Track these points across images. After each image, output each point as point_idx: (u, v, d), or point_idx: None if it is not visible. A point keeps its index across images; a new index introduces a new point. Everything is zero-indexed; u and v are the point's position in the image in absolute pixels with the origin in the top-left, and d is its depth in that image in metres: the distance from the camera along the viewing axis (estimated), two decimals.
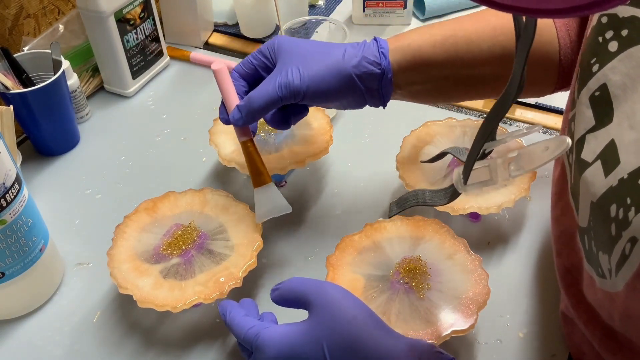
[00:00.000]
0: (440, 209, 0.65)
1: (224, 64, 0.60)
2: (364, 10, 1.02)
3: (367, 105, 0.61)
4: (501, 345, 0.59)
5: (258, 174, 0.61)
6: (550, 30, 0.60)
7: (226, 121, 0.60)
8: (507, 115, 0.85)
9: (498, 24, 0.59)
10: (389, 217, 0.56)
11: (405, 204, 0.54)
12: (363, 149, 0.81)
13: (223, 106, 0.61)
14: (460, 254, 0.60)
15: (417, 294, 0.57)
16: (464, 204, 0.65)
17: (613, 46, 0.46)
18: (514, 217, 0.70)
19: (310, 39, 0.60)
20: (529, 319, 0.61)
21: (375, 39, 0.60)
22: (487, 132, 0.44)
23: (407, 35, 0.61)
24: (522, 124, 0.84)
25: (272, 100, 0.57)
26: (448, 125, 0.74)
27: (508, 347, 0.59)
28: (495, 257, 0.67)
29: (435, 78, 0.60)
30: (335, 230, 0.70)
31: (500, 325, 0.60)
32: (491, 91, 0.63)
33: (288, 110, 0.62)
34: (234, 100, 0.59)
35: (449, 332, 0.54)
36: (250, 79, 0.61)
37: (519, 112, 0.85)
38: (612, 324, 0.47)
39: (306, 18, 0.87)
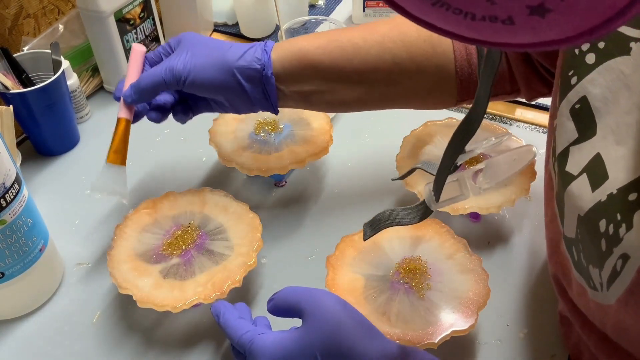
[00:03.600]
0: (442, 209, 0.65)
1: (144, 48, 0.64)
2: (364, 10, 1.02)
3: (260, 109, 0.62)
4: (501, 346, 0.59)
5: (117, 152, 0.62)
6: (445, 42, 0.59)
7: (116, 98, 0.63)
8: (508, 115, 0.85)
9: (386, 32, 0.59)
10: (365, 240, 0.55)
11: (380, 225, 0.54)
12: (363, 149, 0.81)
13: (121, 82, 0.63)
14: (461, 254, 0.60)
15: (417, 294, 0.57)
16: (464, 204, 0.65)
17: (590, 59, 0.46)
18: (514, 217, 0.70)
19: (211, 37, 0.64)
20: (529, 319, 0.61)
21: (265, 41, 0.61)
22: (457, 150, 0.44)
23: (292, 39, 0.62)
24: (522, 124, 0.84)
25: (157, 81, 0.59)
26: (448, 125, 0.74)
27: (508, 347, 0.58)
28: (495, 257, 0.67)
29: (324, 80, 0.60)
30: (335, 230, 0.70)
31: (500, 326, 0.60)
32: (391, 101, 0.63)
33: (189, 102, 0.65)
34: (133, 79, 0.62)
35: (449, 332, 0.54)
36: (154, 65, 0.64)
37: (519, 112, 0.85)
38: (605, 332, 0.47)
39: (306, 18, 0.87)
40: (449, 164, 0.45)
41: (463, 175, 0.50)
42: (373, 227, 0.54)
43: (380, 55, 0.59)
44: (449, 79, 0.60)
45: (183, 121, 0.65)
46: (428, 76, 0.59)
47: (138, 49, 0.64)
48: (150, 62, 0.64)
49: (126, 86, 0.62)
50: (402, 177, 0.58)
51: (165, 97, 0.63)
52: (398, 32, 0.59)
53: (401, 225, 0.52)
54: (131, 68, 0.63)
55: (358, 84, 0.60)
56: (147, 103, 0.64)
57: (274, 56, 0.59)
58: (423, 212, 0.51)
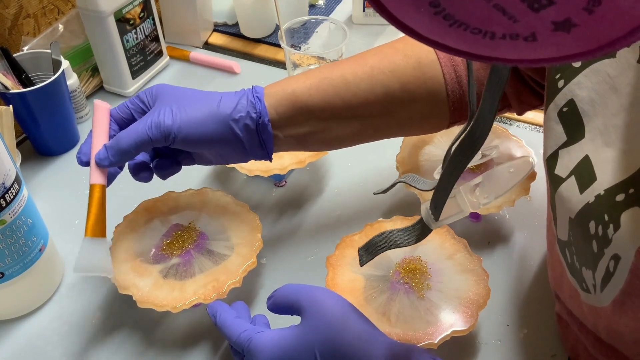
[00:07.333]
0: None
1: (109, 105, 0.58)
2: (364, 10, 1.02)
3: (252, 158, 0.58)
4: (501, 346, 0.59)
5: (96, 223, 0.55)
6: (434, 66, 0.58)
7: (82, 162, 0.56)
8: (508, 115, 0.85)
9: (375, 64, 0.58)
10: (361, 266, 0.54)
11: (377, 249, 0.53)
12: (363, 149, 0.80)
13: (86, 144, 0.56)
14: (461, 254, 0.60)
15: (417, 294, 0.57)
16: None
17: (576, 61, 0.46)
18: (514, 217, 0.70)
19: (190, 88, 0.58)
20: (529, 319, 0.61)
21: (253, 87, 0.57)
22: (458, 170, 0.43)
23: (281, 82, 0.59)
24: (522, 123, 0.83)
25: (141, 140, 0.53)
26: None
27: (508, 348, 0.58)
28: (495, 257, 0.67)
29: (318, 120, 0.58)
30: (335, 230, 0.70)
31: (500, 326, 0.60)
32: (386, 132, 0.62)
33: (172, 156, 0.59)
34: (103, 140, 0.56)
35: (449, 332, 0.54)
36: (124, 124, 0.58)
37: None
38: (598, 335, 0.46)
39: (306, 18, 0.87)
40: (449, 184, 0.44)
41: (460, 190, 0.49)
42: (369, 251, 0.53)
43: (371, 87, 0.57)
44: (442, 103, 0.59)
45: (165, 177, 0.59)
46: (421, 103, 0.58)
47: (103, 106, 0.57)
48: (115, 118, 0.58)
49: (95, 148, 0.55)
50: (385, 191, 0.56)
51: (143, 155, 0.59)
52: (387, 63, 0.57)
53: (398, 247, 0.51)
54: (97, 128, 0.56)
55: (352, 119, 0.58)
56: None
57: (268, 102, 0.56)
58: (420, 232, 0.50)
